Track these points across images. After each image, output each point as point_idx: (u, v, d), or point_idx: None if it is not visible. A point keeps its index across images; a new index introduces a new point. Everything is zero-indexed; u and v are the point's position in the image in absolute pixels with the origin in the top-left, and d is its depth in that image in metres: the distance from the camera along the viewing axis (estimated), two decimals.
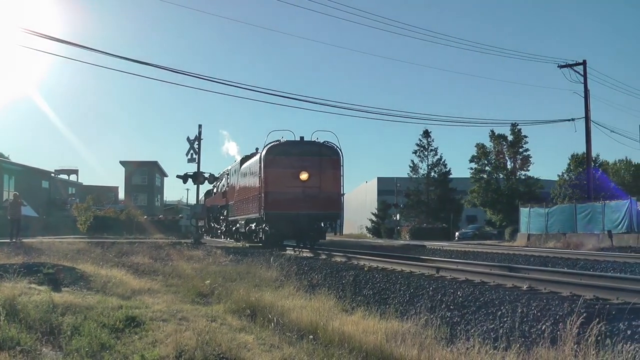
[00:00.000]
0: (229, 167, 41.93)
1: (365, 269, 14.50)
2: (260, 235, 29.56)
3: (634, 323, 6.59)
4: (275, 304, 9.40)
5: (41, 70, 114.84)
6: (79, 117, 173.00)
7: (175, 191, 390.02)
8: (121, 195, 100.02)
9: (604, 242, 33.76)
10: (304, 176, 27.37)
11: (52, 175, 77.65)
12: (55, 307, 8.72)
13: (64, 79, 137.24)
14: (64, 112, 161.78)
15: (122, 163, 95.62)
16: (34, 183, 63.40)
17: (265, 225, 28.18)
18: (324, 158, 28.08)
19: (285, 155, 27.84)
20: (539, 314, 7.54)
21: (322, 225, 29.22)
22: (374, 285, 11.63)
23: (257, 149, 34.00)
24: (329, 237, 39.44)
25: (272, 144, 28.37)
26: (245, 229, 32.59)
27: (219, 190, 46.69)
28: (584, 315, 6.72)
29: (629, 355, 5.42)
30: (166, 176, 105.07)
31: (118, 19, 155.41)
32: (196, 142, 35.71)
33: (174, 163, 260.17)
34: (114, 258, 18.87)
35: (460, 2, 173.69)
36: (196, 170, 35.91)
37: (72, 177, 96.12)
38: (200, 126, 36.06)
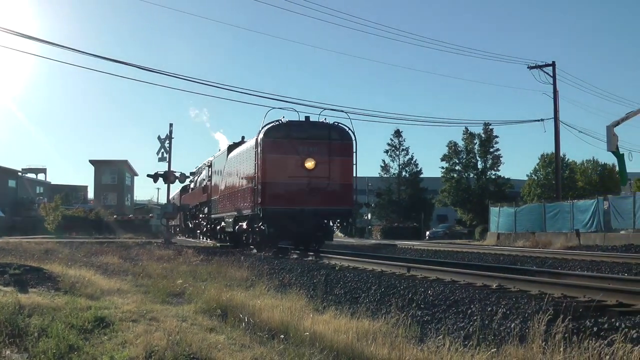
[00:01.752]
0: (212, 158, 36.58)
1: (337, 268, 14.53)
2: (254, 237, 25.03)
3: (599, 320, 6.67)
4: (247, 303, 9.36)
5: (7, 67, 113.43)
6: (48, 115, 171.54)
7: (146, 190, 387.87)
8: (90, 194, 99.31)
9: (572, 241, 34.13)
10: (309, 164, 22.81)
11: (20, 174, 76.87)
12: (22, 309, 8.60)
13: (31, 76, 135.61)
14: (32, 110, 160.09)
15: (92, 162, 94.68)
16: (0, 182, 62.58)
17: (262, 224, 23.20)
18: (334, 143, 23.47)
19: (287, 139, 23.11)
20: (508, 312, 7.60)
21: (331, 224, 24.82)
22: (345, 285, 11.65)
23: (243, 137, 31.02)
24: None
25: (271, 124, 23.37)
26: (234, 228, 27.62)
27: (198, 185, 41.82)
28: (552, 313, 6.79)
29: (595, 351, 5.48)
30: (136, 175, 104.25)
31: (90, 17, 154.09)
32: (167, 141, 35.54)
33: (145, 162, 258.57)
34: (82, 258, 18.71)
35: (432, 2, 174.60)
36: (167, 170, 35.75)
37: (40, 176, 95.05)
38: (171, 125, 36.00)
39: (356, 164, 23.87)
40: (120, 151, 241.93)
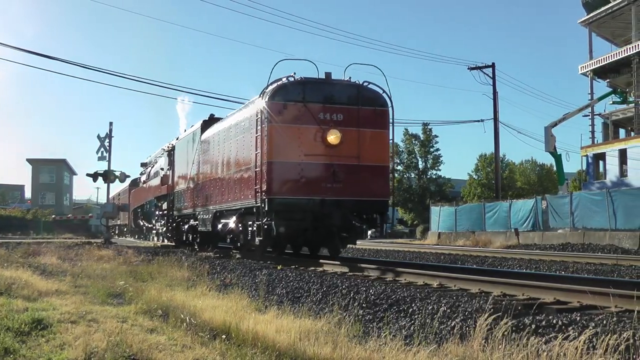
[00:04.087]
0: (174, 142, 30.18)
1: (279, 268, 14.50)
2: (250, 239, 17.75)
3: (537, 317, 6.80)
4: (188, 303, 9.30)
5: None
6: None
7: (85, 190, 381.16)
8: (27, 194, 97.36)
9: (511, 240, 34.78)
10: (333, 138, 16.42)
11: None
12: None
13: None
14: None
15: (29, 161, 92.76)
16: None
17: (267, 221, 16.27)
18: (366, 109, 17.05)
19: (302, 102, 16.50)
20: (449, 310, 7.69)
21: (359, 220, 17.35)
22: (287, 284, 11.64)
23: (212, 115, 24.88)
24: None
25: (280, 83, 16.68)
26: (213, 227, 21.49)
27: (153, 176, 35.43)
28: (492, 311, 6.90)
29: (533, 348, 5.58)
30: (75, 174, 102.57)
31: (27, 11, 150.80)
32: (107, 140, 35.10)
33: (84, 161, 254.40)
34: (19, 259, 18.30)
35: (374, 3, 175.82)
36: (107, 169, 35.27)
37: None
38: (111, 123, 35.61)
39: (393, 139, 17.79)
40: (59, 150, 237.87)
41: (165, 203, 30.91)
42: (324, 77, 17.00)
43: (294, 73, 16.80)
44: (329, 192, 16.36)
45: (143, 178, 41.26)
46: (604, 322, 6.25)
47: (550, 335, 6.06)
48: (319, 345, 6.39)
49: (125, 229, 53.90)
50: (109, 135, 35.20)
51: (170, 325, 7.98)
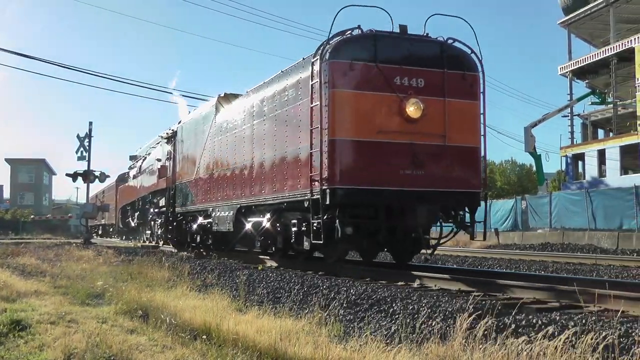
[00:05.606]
0: (175, 127, 25.76)
1: (260, 268, 14.48)
2: (295, 242, 14.28)
3: (517, 317, 6.84)
4: (168, 304, 9.27)
5: None
6: None
7: (65, 190, 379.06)
8: (6, 194, 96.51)
9: (491, 240, 34.95)
10: (413, 109, 12.42)
11: None
12: None
13: None
14: None
15: (7, 160, 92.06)
16: None
17: (329, 218, 12.28)
18: (452, 73, 13.07)
19: (374, 62, 12.48)
20: (429, 310, 7.72)
21: (445, 217, 13.71)
22: (267, 285, 11.63)
23: (225, 92, 20.23)
24: None
25: (344, 36, 12.76)
26: (234, 227, 17.41)
27: (148, 169, 31.51)
28: (472, 310, 6.93)
29: (513, 347, 5.62)
30: (55, 174, 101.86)
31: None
32: (86, 140, 34.94)
33: (64, 161, 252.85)
34: None
35: None
36: (86, 169, 35.10)
37: None
38: (90, 123, 35.37)
39: (484, 113, 13.53)
40: (38, 149, 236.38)
41: (163, 199, 26.96)
42: (398, 31, 13.05)
43: (359, 25, 12.92)
44: (408, 181, 12.50)
45: (133, 172, 37.33)
46: (583, 321, 6.30)
47: (531, 335, 6.09)
48: (299, 346, 6.39)
49: (111, 229, 51.12)
50: (89, 135, 35.05)
51: (150, 325, 7.94)
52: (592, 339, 5.42)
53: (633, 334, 5.70)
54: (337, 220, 12.16)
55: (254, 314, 8.67)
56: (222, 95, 20.05)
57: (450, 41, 13.37)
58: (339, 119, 12.26)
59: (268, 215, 15.51)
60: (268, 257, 17.13)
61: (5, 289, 11.22)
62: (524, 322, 6.62)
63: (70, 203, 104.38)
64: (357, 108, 12.42)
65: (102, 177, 36.78)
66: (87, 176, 35.14)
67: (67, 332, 7.39)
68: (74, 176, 35.49)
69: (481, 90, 13.51)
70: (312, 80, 12.66)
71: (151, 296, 10.00)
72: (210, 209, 19.70)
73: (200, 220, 21.25)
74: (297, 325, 7.57)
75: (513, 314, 6.96)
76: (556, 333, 5.94)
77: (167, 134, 26.84)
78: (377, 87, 12.42)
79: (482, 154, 13.58)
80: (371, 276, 12.04)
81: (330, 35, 12.60)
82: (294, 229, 13.92)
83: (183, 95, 30.72)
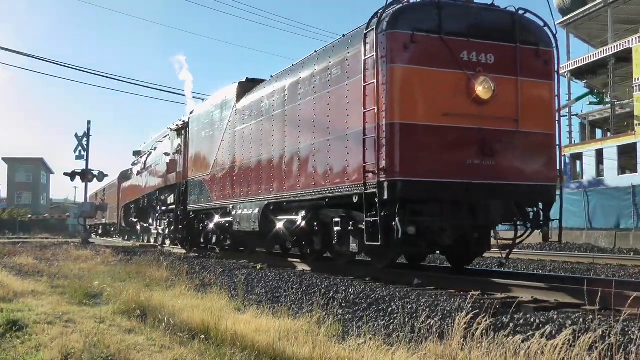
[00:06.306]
0: (186, 118, 23.52)
1: (258, 267, 14.46)
2: (338, 243, 12.49)
3: (515, 316, 6.84)
4: (167, 304, 9.26)
5: None
6: None
7: (63, 189, 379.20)
8: (3, 193, 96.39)
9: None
10: (483, 89, 10.67)
11: None
12: None
13: None
14: None
15: (5, 160, 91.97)
16: None
17: (385, 215, 10.34)
18: (526, 49, 11.30)
19: (438, 34, 10.65)
20: (428, 309, 7.71)
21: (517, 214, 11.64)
22: (266, 284, 11.61)
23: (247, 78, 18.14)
24: None
25: (404, 4, 10.96)
26: (260, 226, 15.21)
27: (154, 164, 29.29)
28: (471, 310, 6.93)
29: (511, 347, 5.62)
30: (52, 173, 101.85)
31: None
32: (85, 139, 34.90)
33: (62, 160, 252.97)
34: None
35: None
36: (85, 168, 35.06)
37: None
38: (89, 122, 35.31)
39: (559, 96, 11.92)
40: (36, 148, 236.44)
41: (172, 196, 24.62)
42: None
43: None
44: (477, 172, 10.70)
45: (137, 169, 34.91)
46: (581, 320, 6.29)
47: (529, 334, 6.09)
48: (298, 345, 6.39)
49: (112, 229, 49.00)
50: (87, 134, 34.98)
51: (148, 325, 7.94)
52: (589, 337, 5.43)
53: (629, 333, 5.70)
54: (396, 218, 10.25)
55: (252, 313, 8.68)
56: (244, 80, 18.06)
57: (521, 11, 11.62)
58: (399, 100, 10.51)
59: (303, 213, 13.59)
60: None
61: (2, 289, 11.21)
62: (521, 322, 6.62)
63: (68, 202, 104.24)
64: (420, 87, 10.62)
65: (101, 176, 36.64)
66: (86, 175, 35.08)
67: (65, 332, 7.38)
68: (72, 175, 35.44)
69: (555, 69, 11.78)
70: (364, 55, 10.89)
71: (149, 296, 9.99)
72: (231, 206, 17.53)
73: (217, 218, 19.08)
74: (295, 325, 7.57)
75: (511, 313, 6.97)
76: (554, 332, 5.95)
77: (176, 125, 24.61)
78: (442, 63, 10.65)
79: (558, 141, 11.75)
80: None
81: (387, 3, 10.74)
82: (336, 228, 12.15)
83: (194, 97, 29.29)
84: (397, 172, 10.23)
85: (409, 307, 8.00)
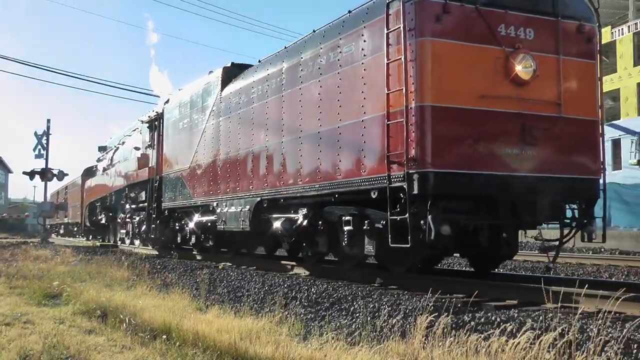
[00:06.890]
0: (161, 107, 21.46)
1: (220, 267, 14.41)
2: (349, 244, 10.78)
3: (476, 315, 6.90)
4: (127, 304, 9.18)
5: None
6: None
7: (22, 188, 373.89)
8: None
9: None
10: (522, 68, 9.27)
11: None
12: None
13: None
14: None
15: None
16: None
17: (413, 213, 8.77)
18: (568, 23, 9.95)
19: (473, 4, 9.16)
20: (390, 308, 7.75)
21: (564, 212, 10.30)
22: (228, 284, 11.58)
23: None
24: None
25: None
26: (264, 226, 13.48)
27: (123, 159, 27.22)
28: (432, 308, 6.98)
29: (472, 345, 5.67)
30: (11, 172, 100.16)
31: None
32: (44, 137, 34.47)
33: (21, 158, 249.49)
34: None
35: None
36: (44, 167, 34.63)
37: None
38: (48, 121, 34.86)
39: (601, 77, 10.44)
40: None
41: (144, 193, 22.63)
42: None
43: None
44: (517, 163, 9.37)
45: (102, 165, 32.37)
46: (541, 318, 6.37)
47: (489, 332, 6.15)
48: (260, 345, 6.38)
49: (75, 229, 46.63)
50: (47, 133, 34.55)
51: (109, 326, 7.87)
52: (550, 336, 5.50)
53: (588, 330, 5.78)
54: (428, 216, 8.81)
55: (214, 313, 8.64)
56: (229, 65, 16.27)
57: None
58: (431, 79, 9.07)
59: (304, 211, 12.10)
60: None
61: None
62: (482, 320, 6.69)
63: (27, 202, 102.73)
64: (453, 65, 9.18)
65: (61, 175, 36.17)
66: (45, 174, 34.65)
67: (23, 334, 7.29)
68: (31, 174, 34.98)
69: (598, 46, 10.49)
70: (387, 28, 9.41)
71: (110, 296, 9.91)
72: (215, 203, 15.89)
73: (198, 217, 17.38)
74: (257, 325, 7.55)
75: (472, 311, 7.04)
76: (514, 330, 6.02)
77: (148, 117, 22.52)
78: (478, 37, 9.29)
79: (600, 129, 10.35)
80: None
81: None
82: (347, 227, 10.69)
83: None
84: (429, 162, 8.86)
85: (371, 306, 8.04)
